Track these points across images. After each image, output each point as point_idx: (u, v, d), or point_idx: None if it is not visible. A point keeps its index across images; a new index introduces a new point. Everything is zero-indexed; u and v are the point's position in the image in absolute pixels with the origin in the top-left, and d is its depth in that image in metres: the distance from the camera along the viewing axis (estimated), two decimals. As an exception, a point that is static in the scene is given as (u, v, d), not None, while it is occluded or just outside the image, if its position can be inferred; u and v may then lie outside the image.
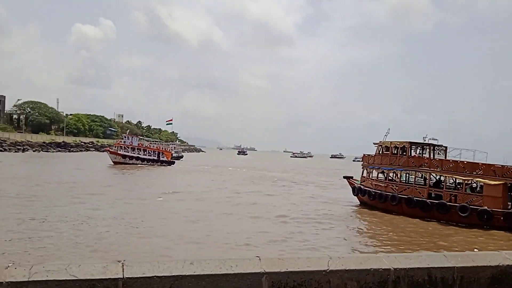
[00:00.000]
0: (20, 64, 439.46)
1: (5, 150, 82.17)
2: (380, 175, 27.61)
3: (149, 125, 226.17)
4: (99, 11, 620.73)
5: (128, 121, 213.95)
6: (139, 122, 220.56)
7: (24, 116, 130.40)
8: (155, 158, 61.77)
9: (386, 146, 26.96)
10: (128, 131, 65.62)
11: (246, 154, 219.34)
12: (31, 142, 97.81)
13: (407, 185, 25.06)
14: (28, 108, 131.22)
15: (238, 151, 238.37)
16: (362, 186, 27.77)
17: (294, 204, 27.04)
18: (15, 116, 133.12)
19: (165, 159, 62.92)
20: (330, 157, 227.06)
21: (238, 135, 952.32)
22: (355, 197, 28.78)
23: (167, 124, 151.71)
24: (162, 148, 68.10)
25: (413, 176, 25.68)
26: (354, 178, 30.84)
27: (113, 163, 55.44)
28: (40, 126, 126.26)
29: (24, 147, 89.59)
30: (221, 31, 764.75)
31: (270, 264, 2.74)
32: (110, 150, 58.03)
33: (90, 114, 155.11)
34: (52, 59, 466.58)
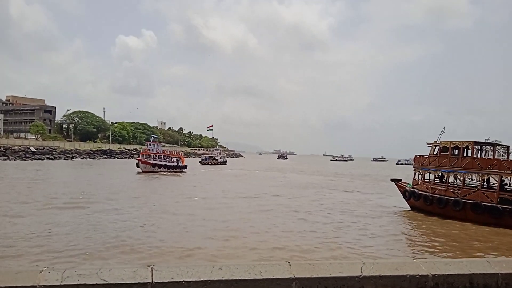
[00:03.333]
0: (68, 76, 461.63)
1: (55, 158, 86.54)
2: (435, 177, 25.75)
3: (190, 132, 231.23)
4: (141, 23, 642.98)
5: (170, 128, 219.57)
6: (181, 128, 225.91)
7: (73, 125, 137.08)
8: (176, 164, 60.94)
9: (444, 147, 24.48)
10: (152, 138, 63.74)
11: (286, 158, 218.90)
12: (79, 150, 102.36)
13: (472, 189, 22.67)
14: (76, 118, 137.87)
15: (278, 156, 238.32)
16: (415, 190, 25.58)
17: (341, 208, 26.45)
18: (64, 126, 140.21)
19: (181, 164, 62.36)
20: (372, 160, 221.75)
21: (277, 139, 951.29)
22: (405, 201, 26.79)
23: (207, 130, 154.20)
24: (176, 153, 65.71)
25: (475, 179, 23.54)
26: (402, 181, 29.18)
27: (142, 171, 54.12)
28: (87, 135, 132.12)
29: (73, 155, 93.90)
30: (255, 38, 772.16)
31: (301, 270, 2.67)
32: (142, 160, 55.84)
33: (134, 122, 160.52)
34: (97, 70, 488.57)
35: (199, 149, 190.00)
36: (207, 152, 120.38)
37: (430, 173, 25.66)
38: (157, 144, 59.92)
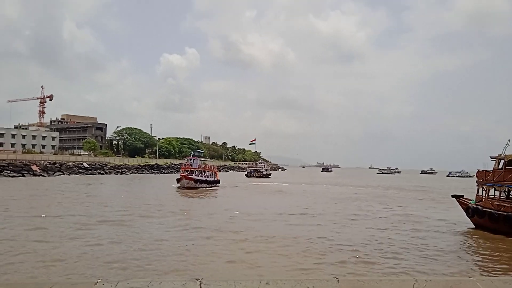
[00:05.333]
0: (115, 93, 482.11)
1: (106, 173, 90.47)
2: (498, 193, 23.80)
3: (233, 146, 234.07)
4: (184, 41, 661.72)
5: (214, 142, 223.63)
6: (224, 143, 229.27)
7: (122, 141, 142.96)
8: (213, 179, 59.74)
9: (510, 160, 22.67)
10: (191, 153, 61.66)
11: (331, 171, 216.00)
12: (128, 165, 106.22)
13: None
14: (125, 134, 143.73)
15: (322, 168, 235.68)
16: (479, 207, 23.85)
17: (399, 223, 25.54)
18: (114, 142, 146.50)
19: (216, 179, 61.03)
20: (420, 173, 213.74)
21: (319, 152, 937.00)
22: (468, 218, 24.98)
23: (250, 144, 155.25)
24: (209, 167, 63.53)
25: None
26: (464, 197, 26.39)
27: (183, 187, 51.88)
28: (136, 150, 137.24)
29: (122, 170, 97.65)
30: (293, 52, 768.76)
31: (349, 286, 2.60)
32: (186, 176, 53.18)
33: (179, 137, 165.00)
34: (142, 88, 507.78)
35: (242, 163, 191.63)
36: (252, 165, 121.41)
37: (495, 189, 23.80)
38: (197, 159, 58.64)
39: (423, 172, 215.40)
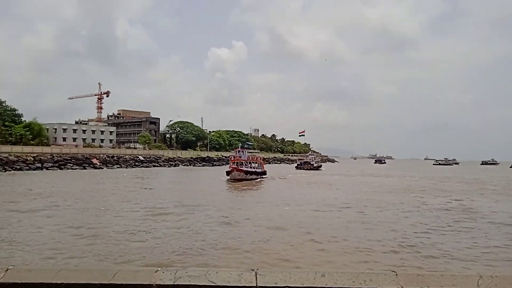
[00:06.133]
0: (166, 89, 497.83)
1: (160, 165, 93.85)
2: None
3: (283, 138, 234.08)
4: (231, 35, 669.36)
5: (263, 135, 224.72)
6: (273, 135, 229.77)
7: (174, 135, 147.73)
8: (261, 170, 59.53)
9: None
10: (240, 145, 61.42)
11: (384, 163, 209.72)
12: (181, 157, 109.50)
13: None
14: (178, 128, 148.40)
15: (375, 160, 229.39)
16: None
17: (462, 216, 24.34)
18: (167, 135, 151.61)
19: (263, 170, 60.39)
20: (481, 164, 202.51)
21: (371, 143, 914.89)
22: None
23: (299, 136, 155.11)
24: (257, 158, 62.49)
25: None
26: None
27: (234, 179, 51.37)
28: (188, 143, 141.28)
29: (175, 163, 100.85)
30: (341, 41, 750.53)
31: (408, 280, 2.53)
32: (236, 168, 52.82)
33: (229, 130, 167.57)
34: (192, 82, 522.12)
35: (291, 155, 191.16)
36: (302, 157, 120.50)
37: None
38: (245, 151, 58.55)
39: (484, 163, 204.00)
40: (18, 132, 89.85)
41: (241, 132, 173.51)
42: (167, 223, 19.90)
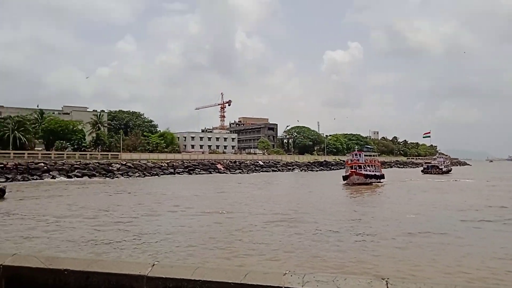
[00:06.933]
0: (282, 95, 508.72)
1: (279, 170, 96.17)
2: None
3: (405, 140, 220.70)
4: (346, 36, 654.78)
5: (383, 137, 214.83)
6: (395, 137, 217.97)
7: (292, 140, 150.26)
8: (380, 174, 56.20)
9: None
10: (357, 148, 58.70)
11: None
12: (298, 162, 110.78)
13: None
14: (294, 133, 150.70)
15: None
16: None
17: None
18: (285, 141, 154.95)
19: (380, 173, 56.61)
20: None
21: (510, 144, 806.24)
22: None
23: (423, 137, 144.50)
24: (373, 161, 59.03)
25: None
26: None
27: (352, 184, 49.66)
28: (305, 148, 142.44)
29: (293, 167, 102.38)
30: (470, 33, 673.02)
31: None
32: (356, 172, 50.86)
33: (346, 134, 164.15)
34: (307, 87, 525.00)
35: (416, 158, 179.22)
36: (429, 161, 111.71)
37: None
38: (362, 154, 56.61)
39: None
40: (154, 141, 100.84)
41: (359, 135, 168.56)
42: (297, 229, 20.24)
